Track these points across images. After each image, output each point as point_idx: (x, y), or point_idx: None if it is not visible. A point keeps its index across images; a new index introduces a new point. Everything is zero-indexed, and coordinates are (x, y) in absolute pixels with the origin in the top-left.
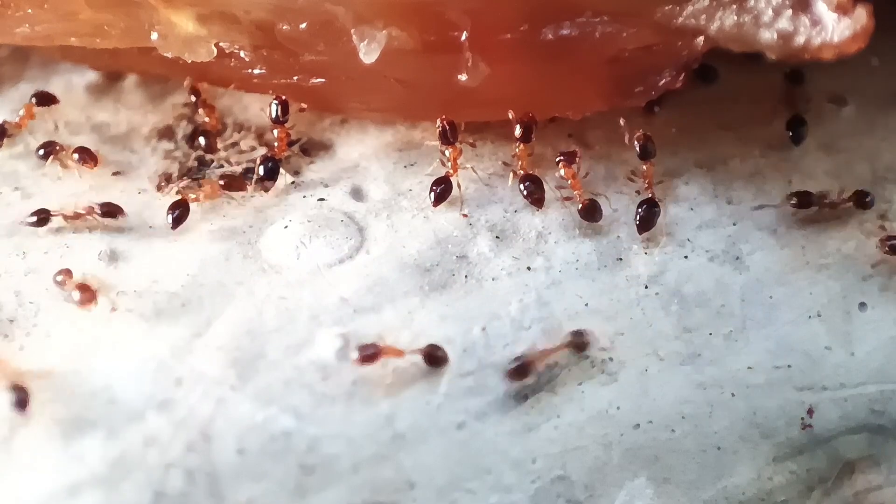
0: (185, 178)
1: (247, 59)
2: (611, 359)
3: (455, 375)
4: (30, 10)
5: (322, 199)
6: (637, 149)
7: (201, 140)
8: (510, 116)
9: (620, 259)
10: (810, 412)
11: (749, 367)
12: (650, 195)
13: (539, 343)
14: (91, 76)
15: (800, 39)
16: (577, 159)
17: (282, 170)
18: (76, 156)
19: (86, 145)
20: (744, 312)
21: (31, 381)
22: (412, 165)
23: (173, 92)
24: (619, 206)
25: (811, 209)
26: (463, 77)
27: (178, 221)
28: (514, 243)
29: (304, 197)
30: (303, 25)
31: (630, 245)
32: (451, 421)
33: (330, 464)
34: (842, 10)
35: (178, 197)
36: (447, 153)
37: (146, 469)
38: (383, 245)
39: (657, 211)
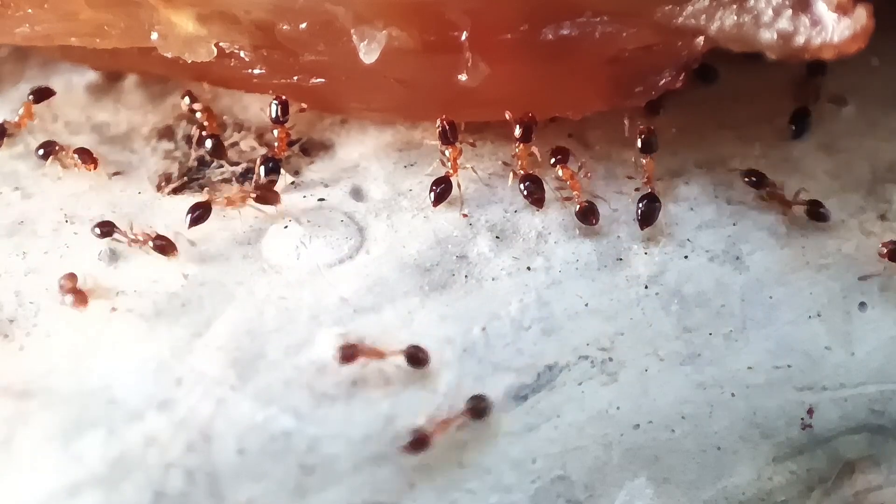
0: (184, 177)
1: (247, 59)
2: (611, 359)
3: (455, 375)
4: (30, 10)
5: (322, 199)
6: (639, 142)
7: (208, 144)
8: (507, 117)
9: (620, 259)
10: (810, 412)
11: (749, 367)
12: (650, 190)
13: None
14: (91, 76)
15: (800, 39)
16: (569, 156)
17: (282, 170)
18: (76, 157)
19: (86, 145)
20: (744, 312)
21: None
22: (412, 165)
23: (173, 92)
24: (619, 207)
25: (761, 191)
26: (463, 77)
27: (196, 222)
28: (514, 243)
29: (304, 197)
30: (303, 25)
31: (630, 245)
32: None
33: (330, 464)
34: (842, 10)
35: (204, 198)
36: (447, 153)
37: (146, 469)
38: (383, 245)
39: (658, 206)
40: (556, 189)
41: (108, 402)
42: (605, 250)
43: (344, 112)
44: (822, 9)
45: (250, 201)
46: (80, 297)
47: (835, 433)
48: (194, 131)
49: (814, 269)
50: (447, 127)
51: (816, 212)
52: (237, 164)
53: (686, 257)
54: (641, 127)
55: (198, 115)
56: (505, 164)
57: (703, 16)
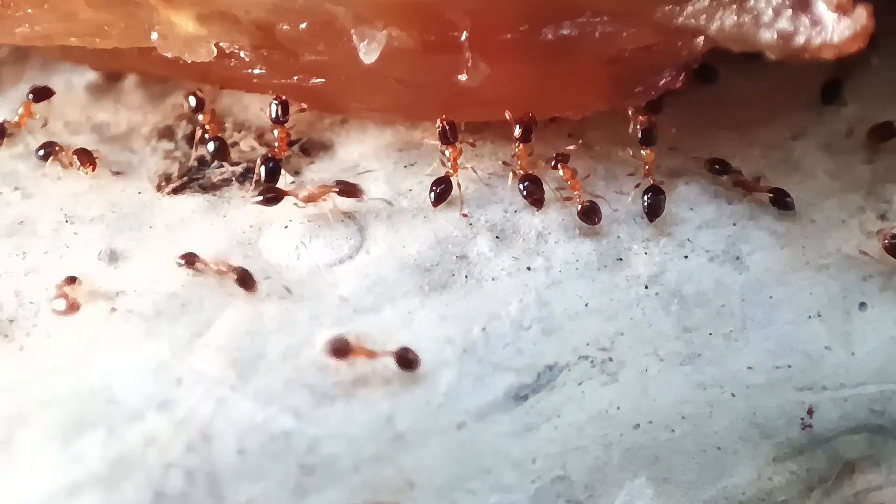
0: (185, 177)
1: (247, 59)
2: (611, 359)
3: (455, 375)
4: (30, 10)
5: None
6: (639, 134)
7: (210, 146)
8: (507, 117)
9: (620, 259)
10: (810, 412)
11: (749, 367)
12: (652, 182)
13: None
14: (91, 76)
15: (800, 39)
16: (568, 155)
17: (282, 170)
18: (75, 157)
19: (86, 145)
20: (744, 312)
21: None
22: (412, 165)
23: (173, 92)
24: (619, 207)
25: (723, 177)
26: (463, 77)
27: (269, 203)
28: (514, 243)
29: None
30: (303, 25)
31: (630, 245)
32: (451, 421)
33: (330, 464)
34: (842, 10)
35: (272, 194)
36: (447, 153)
37: (146, 469)
38: (383, 245)
39: (663, 197)
40: (556, 189)
41: (108, 402)
42: (605, 250)
43: (344, 112)
44: (822, 9)
45: (333, 195)
46: (72, 304)
47: (835, 433)
48: (198, 132)
49: (814, 269)
50: (447, 127)
51: (781, 200)
52: (237, 164)
53: (686, 257)
54: (641, 118)
55: (200, 117)
56: (505, 164)
57: (703, 16)
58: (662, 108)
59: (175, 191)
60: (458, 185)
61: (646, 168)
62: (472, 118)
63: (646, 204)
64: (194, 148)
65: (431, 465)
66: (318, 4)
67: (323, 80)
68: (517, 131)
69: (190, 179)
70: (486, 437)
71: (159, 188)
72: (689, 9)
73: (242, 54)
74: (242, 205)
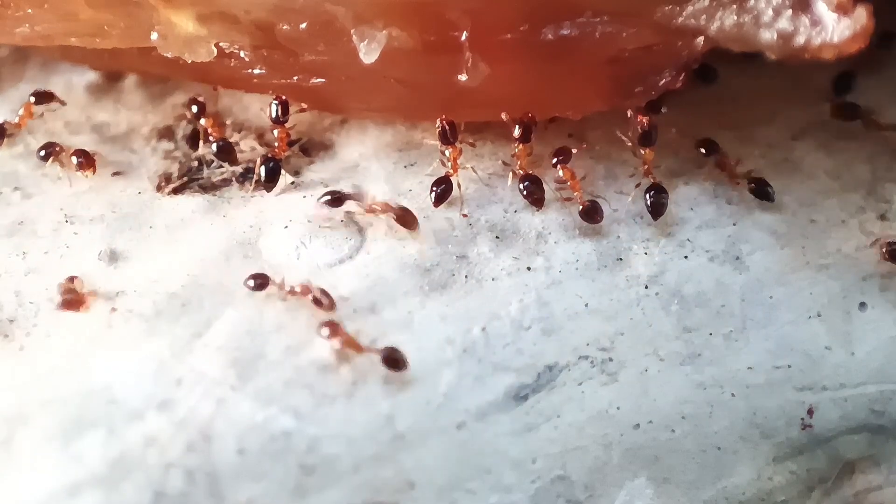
0: (184, 177)
1: (247, 59)
2: (611, 359)
3: (455, 375)
4: (30, 10)
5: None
6: (639, 134)
7: (214, 148)
8: (505, 118)
9: (620, 259)
10: (810, 412)
11: (749, 367)
12: (652, 181)
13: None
14: (91, 76)
15: (800, 39)
16: (571, 155)
17: (282, 170)
18: (75, 159)
19: (86, 145)
20: (744, 312)
21: None
22: (412, 165)
23: (173, 92)
24: (619, 207)
25: (711, 157)
26: (463, 77)
27: (333, 204)
28: (514, 243)
29: (304, 197)
30: (303, 25)
31: (630, 245)
32: (451, 421)
33: (330, 464)
34: (842, 10)
35: (337, 195)
36: (447, 153)
37: (146, 469)
38: (383, 245)
39: (666, 195)
40: (556, 189)
41: (108, 402)
42: (605, 250)
43: (344, 112)
44: (822, 9)
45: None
46: (74, 301)
47: (835, 433)
48: (202, 135)
49: (814, 269)
50: (447, 127)
51: (762, 190)
52: (237, 164)
53: (686, 257)
54: (640, 119)
55: (202, 121)
56: (505, 164)
57: (703, 16)
58: (662, 107)
59: (175, 191)
60: (458, 185)
61: (645, 167)
62: (472, 118)
63: (649, 202)
64: (194, 148)
65: (431, 465)
66: (318, 4)
67: (323, 80)
68: (517, 131)
69: (190, 179)
70: (486, 437)
71: (159, 188)
72: (689, 9)
73: (242, 54)
74: (242, 205)
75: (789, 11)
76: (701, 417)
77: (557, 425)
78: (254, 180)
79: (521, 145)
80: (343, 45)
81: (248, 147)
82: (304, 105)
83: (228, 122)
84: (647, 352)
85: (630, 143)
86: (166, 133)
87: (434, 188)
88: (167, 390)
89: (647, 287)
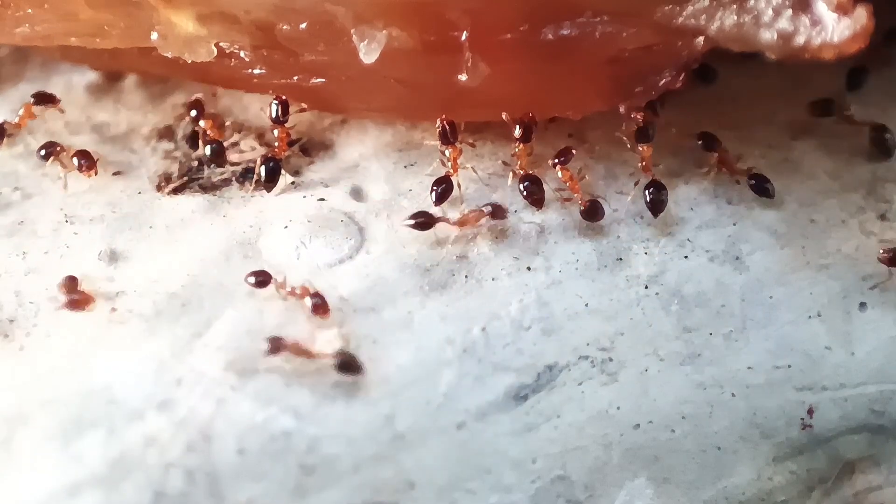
0: (185, 177)
1: (247, 59)
2: (611, 359)
3: (455, 375)
4: (30, 10)
5: (322, 199)
6: (635, 131)
7: (207, 150)
8: (505, 118)
9: (620, 259)
10: (810, 412)
11: (749, 367)
12: (651, 178)
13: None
14: (91, 76)
15: (800, 39)
16: (571, 155)
17: (282, 170)
18: (76, 160)
19: (86, 145)
20: (744, 312)
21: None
22: (412, 165)
23: (173, 92)
24: (619, 207)
25: (710, 152)
26: (463, 77)
27: (421, 227)
28: (514, 243)
29: (304, 197)
30: (303, 25)
31: (630, 245)
32: (451, 421)
33: (330, 464)
34: (842, 10)
35: (423, 218)
36: (447, 153)
37: (146, 469)
38: (383, 245)
39: (665, 192)
40: (556, 189)
41: (108, 402)
42: (605, 250)
43: (344, 112)
44: (822, 9)
45: (485, 220)
46: (80, 301)
47: (835, 433)
48: (201, 136)
49: (814, 269)
50: (447, 127)
51: (762, 186)
52: (237, 164)
53: (686, 257)
54: (638, 115)
55: (202, 123)
56: (505, 164)
57: (703, 16)
58: (662, 107)
59: (175, 191)
60: (458, 185)
61: (643, 164)
62: (472, 118)
63: (648, 199)
64: (194, 148)
65: (431, 465)
66: (318, 4)
67: (323, 80)
68: (517, 131)
69: (190, 179)
70: (486, 437)
71: (159, 188)
72: (689, 9)
73: (242, 54)
74: (242, 205)
75: (789, 11)
76: (701, 417)
77: (557, 425)
78: (254, 180)
79: (521, 145)
80: (343, 45)
81: (248, 147)
82: (304, 105)
83: (228, 122)
84: (647, 352)
85: (628, 143)
86: (166, 133)
87: (434, 188)
88: (167, 390)
89: (647, 287)
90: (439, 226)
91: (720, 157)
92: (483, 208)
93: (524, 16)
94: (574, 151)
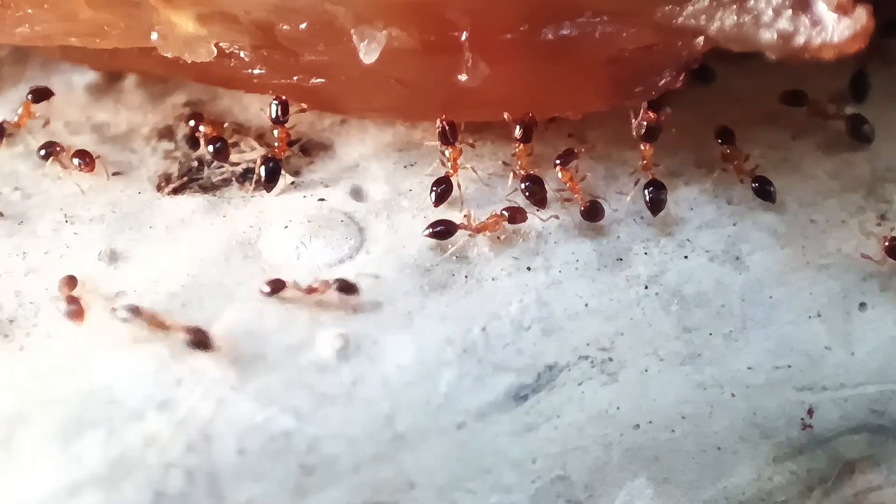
0: (185, 177)
1: (247, 59)
2: (611, 359)
3: (455, 375)
4: (30, 10)
5: (322, 199)
6: (643, 129)
7: (210, 148)
8: (506, 119)
9: (620, 259)
10: (810, 412)
11: (749, 367)
12: (651, 177)
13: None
14: (91, 76)
15: (800, 39)
16: (574, 156)
17: (282, 170)
18: (76, 161)
19: (86, 145)
20: (744, 312)
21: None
22: (412, 165)
23: (173, 92)
24: (619, 207)
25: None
26: (463, 77)
27: (440, 237)
28: (514, 243)
29: (304, 197)
30: (303, 25)
31: (630, 245)
32: (451, 421)
33: (330, 464)
34: (842, 10)
35: (443, 226)
36: (447, 153)
37: (146, 469)
38: (383, 245)
39: (665, 191)
40: (557, 190)
41: (108, 402)
42: (605, 250)
43: (344, 112)
44: (822, 9)
45: (504, 224)
46: (78, 309)
47: (835, 433)
48: (202, 137)
49: (814, 269)
50: (447, 127)
51: (764, 189)
52: (237, 164)
53: (686, 257)
54: (647, 115)
55: (202, 128)
56: (505, 164)
57: (703, 16)
58: (663, 107)
59: (175, 191)
60: (458, 185)
61: (644, 163)
62: (472, 118)
63: (647, 198)
64: (194, 148)
65: (431, 465)
66: (318, 4)
67: (323, 80)
68: (518, 132)
69: (190, 179)
70: (486, 437)
71: (159, 188)
72: (689, 9)
73: (242, 54)
74: (242, 205)
75: (789, 11)
76: (701, 417)
77: (557, 425)
78: (254, 180)
79: (521, 145)
80: (343, 45)
81: (248, 147)
82: (304, 105)
83: (228, 122)
84: (647, 352)
85: (639, 142)
86: (166, 133)
87: (434, 188)
88: (167, 390)
89: (647, 287)
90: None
91: (731, 153)
92: (502, 212)
93: (524, 16)
94: (577, 151)
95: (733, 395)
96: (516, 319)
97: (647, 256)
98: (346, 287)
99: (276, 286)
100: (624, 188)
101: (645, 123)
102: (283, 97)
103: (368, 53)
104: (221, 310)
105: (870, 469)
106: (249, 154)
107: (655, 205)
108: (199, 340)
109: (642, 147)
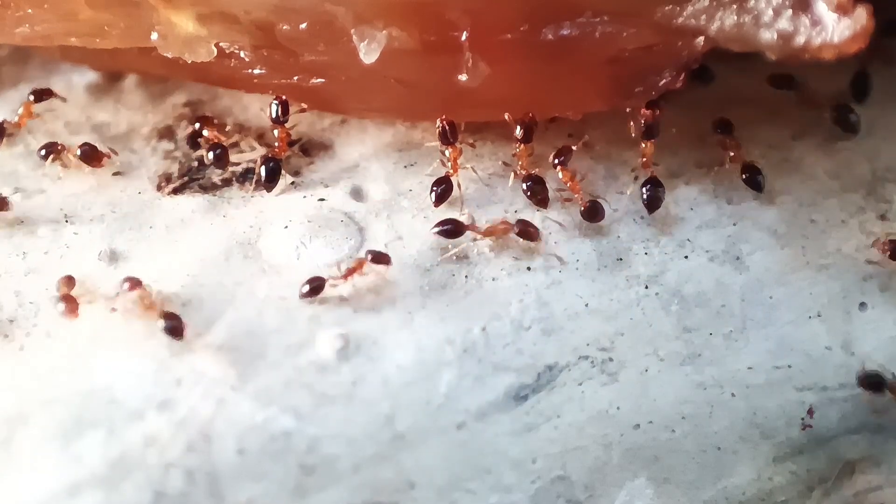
0: (185, 177)
1: (247, 59)
2: (611, 359)
3: (455, 375)
4: (30, 10)
5: (322, 199)
6: (642, 126)
7: (210, 155)
8: (507, 119)
9: (620, 259)
10: (810, 412)
11: (749, 367)
12: (650, 174)
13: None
14: (91, 76)
15: (800, 39)
16: (570, 153)
17: (282, 170)
18: (79, 151)
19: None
20: (744, 312)
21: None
22: (412, 165)
23: (173, 92)
24: (619, 207)
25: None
26: (463, 77)
27: (449, 235)
28: (515, 243)
29: (304, 197)
30: (303, 25)
31: (630, 245)
32: (451, 421)
33: (330, 464)
34: (842, 10)
35: (451, 225)
36: (447, 153)
37: (146, 469)
38: (383, 245)
39: (662, 189)
40: (557, 189)
41: (108, 402)
42: (605, 250)
43: (344, 112)
44: (822, 9)
45: (512, 235)
46: (72, 306)
47: (835, 433)
48: (204, 145)
49: (814, 269)
50: (447, 127)
51: (754, 179)
52: (237, 164)
53: (686, 257)
54: (646, 112)
55: (206, 132)
56: (505, 164)
57: (703, 16)
58: (663, 107)
59: (175, 191)
60: (459, 185)
61: (643, 160)
62: (472, 118)
63: (645, 196)
64: (194, 148)
65: (431, 465)
66: (318, 4)
67: (323, 80)
68: (518, 132)
69: (190, 179)
70: (486, 437)
71: (159, 188)
72: (689, 9)
73: (242, 54)
74: (242, 205)
75: (789, 11)
76: (701, 417)
77: (557, 425)
78: (254, 180)
79: (522, 146)
80: (343, 45)
81: (248, 147)
82: (304, 105)
83: (228, 122)
84: (647, 352)
85: (634, 134)
86: (166, 133)
87: (434, 188)
88: (167, 390)
89: (647, 287)
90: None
91: (721, 141)
92: (514, 225)
93: (524, 16)
94: (574, 148)
95: (733, 395)
96: (516, 319)
97: (647, 256)
98: (379, 257)
99: (317, 286)
100: (624, 188)
101: (643, 121)
102: (283, 97)
103: (368, 53)
104: (221, 310)
105: (870, 469)
106: (249, 154)
107: (652, 203)
108: (173, 327)
109: (643, 145)
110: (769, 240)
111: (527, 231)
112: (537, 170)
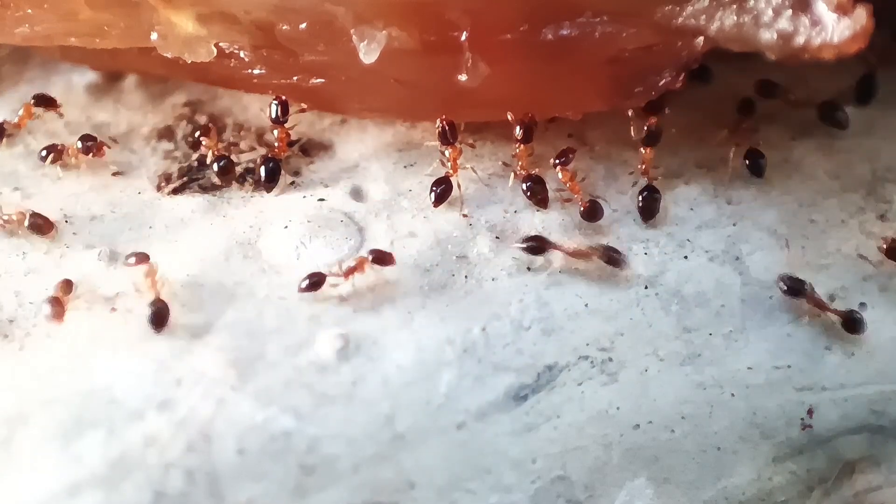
0: (185, 177)
1: (247, 59)
2: (611, 359)
3: (455, 375)
4: (30, 10)
5: (322, 199)
6: (644, 133)
7: (215, 167)
8: (509, 118)
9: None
10: (810, 412)
11: (749, 367)
12: (648, 180)
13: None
14: (91, 76)
15: (800, 39)
16: (571, 156)
17: (282, 170)
18: (79, 144)
19: None
20: (744, 312)
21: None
22: (412, 165)
23: (173, 92)
24: (619, 207)
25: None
26: (463, 77)
27: (533, 252)
28: (515, 243)
29: (304, 197)
30: (303, 25)
31: (630, 245)
32: (451, 421)
33: (330, 464)
34: (842, 10)
35: (536, 242)
36: (447, 153)
37: (146, 469)
38: (383, 245)
39: (658, 197)
40: (557, 190)
41: (108, 402)
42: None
43: (344, 112)
44: (822, 9)
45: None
46: (59, 309)
47: (835, 433)
48: (205, 152)
49: (814, 269)
50: (447, 127)
51: (756, 163)
52: (237, 164)
53: (686, 257)
54: (650, 119)
55: (204, 142)
56: (505, 164)
57: (703, 16)
58: (664, 108)
59: (175, 191)
60: (458, 186)
61: (642, 167)
62: (472, 118)
63: (640, 203)
64: (194, 148)
65: (431, 465)
66: (318, 4)
67: (323, 80)
68: (518, 132)
69: (190, 179)
70: (486, 437)
71: (159, 188)
72: (689, 9)
73: (242, 54)
74: (242, 205)
75: (789, 11)
76: (701, 417)
77: (557, 425)
78: (254, 180)
79: (522, 146)
80: (343, 45)
81: (247, 147)
82: (304, 105)
83: (229, 121)
84: (647, 352)
85: (634, 136)
86: (166, 133)
87: (434, 188)
88: (167, 390)
89: (647, 287)
90: (442, 224)
91: (748, 126)
92: (601, 253)
93: (524, 16)
94: (575, 151)
95: (733, 395)
96: (516, 319)
97: (646, 256)
98: (381, 257)
99: (316, 280)
100: (624, 188)
101: (645, 128)
102: (283, 97)
103: (368, 53)
104: (221, 310)
105: (870, 469)
106: (249, 154)
107: (647, 211)
108: (156, 312)
109: (642, 150)
110: (769, 240)
111: (613, 258)
112: (537, 170)
